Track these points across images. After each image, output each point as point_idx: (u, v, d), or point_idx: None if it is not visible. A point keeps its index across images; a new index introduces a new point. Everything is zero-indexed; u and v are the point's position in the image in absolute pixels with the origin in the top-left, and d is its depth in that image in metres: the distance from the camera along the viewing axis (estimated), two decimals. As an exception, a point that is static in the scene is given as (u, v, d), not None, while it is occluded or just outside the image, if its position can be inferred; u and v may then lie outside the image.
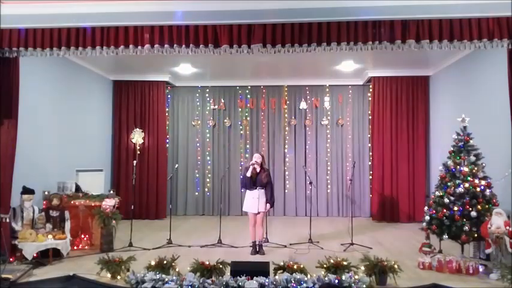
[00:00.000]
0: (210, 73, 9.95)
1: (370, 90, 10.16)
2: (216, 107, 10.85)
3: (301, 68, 9.48)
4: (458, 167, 5.94)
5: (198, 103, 10.92)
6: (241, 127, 10.81)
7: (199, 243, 7.10)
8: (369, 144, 10.41)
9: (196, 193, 10.77)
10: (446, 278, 5.09)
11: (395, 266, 4.86)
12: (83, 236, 6.86)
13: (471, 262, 5.40)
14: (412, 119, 9.85)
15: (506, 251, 5.10)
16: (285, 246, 6.96)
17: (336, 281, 4.53)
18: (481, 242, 5.86)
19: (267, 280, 4.51)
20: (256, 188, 6.54)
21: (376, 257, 4.95)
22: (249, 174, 6.55)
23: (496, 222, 5.21)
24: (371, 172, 10.24)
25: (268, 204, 6.59)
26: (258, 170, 6.58)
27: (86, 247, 6.81)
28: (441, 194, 6.01)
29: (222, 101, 10.83)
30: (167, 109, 10.74)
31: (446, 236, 5.87)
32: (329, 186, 10.58)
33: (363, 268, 4.86)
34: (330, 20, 5.28)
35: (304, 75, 10.13)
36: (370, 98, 10.29)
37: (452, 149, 6.14)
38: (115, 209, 6.82)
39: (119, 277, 4.96)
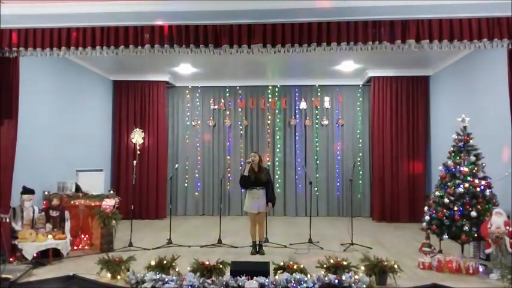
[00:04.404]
0: (210, 73, 9.94)
1: (370, 90, 10.16)
2: (216, 107, 10.85)
3: (301, 68, 9.47)
4: (458, 167, 5.93)
5: (198, 103, 10.92)
6: (241, 127, 10.81)
7: (199, 243, 7.09)
8: (369, 144, 10.40)
9: (197, 193, 10.78)
10: (446, 278, 5.09)
11: (395, 266, 4.85)
12: (83, 236, 6.86)
13: (471, 262, 5.40)
14: (412, 119, 9.86)
15: (506, 251, 5.11)
16: (285, 246, 6.96)
17: (336, 281, 4.53)
18: (481, 242, 5.86)
19: (267, 280, 4.51)
20: (255, 188, 6.53)
21: (376, 257, 4.95)
22: (246, 173, 6.53)
23: (496, 222, 5.21)
24: (371, 172, 10.24)
25: (269, 203, 6.58)
26: (256, 169, 6.57)
27: (86, 247, 6.81)
28: (441, 194, 6.01)
29: (222, 101, 10.83)
30: (167, 109, 10.74)
31: (446, 236, 5.87)
32: (329, 186, 10.57)
33: (363, 268, 4.85)
34: (330, 20, 5.29)
35: (304, 75, 10.13)
36: (370, 98, 10.28)
37: (452, 149, 6.14)
38: (115, 209, 6.82)
39: (119, 277, 4.95)
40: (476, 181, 5.76)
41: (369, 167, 10.40)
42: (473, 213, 5.60)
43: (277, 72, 9.94)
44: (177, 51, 5.50)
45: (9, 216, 5.76)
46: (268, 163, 10.51)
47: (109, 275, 4.99)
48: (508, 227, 5.13)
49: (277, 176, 10.57)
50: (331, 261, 4.85)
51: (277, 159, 10.70)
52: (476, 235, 5.60)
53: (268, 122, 10.76)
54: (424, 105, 9.87)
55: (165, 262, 4.92)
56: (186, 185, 10.81)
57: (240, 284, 4.49)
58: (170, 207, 8.49)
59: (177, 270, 4.90)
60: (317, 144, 10.66)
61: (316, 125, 10.68)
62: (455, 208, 5.74)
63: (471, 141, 6.03)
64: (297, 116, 10.71)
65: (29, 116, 6.64)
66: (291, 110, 10.75)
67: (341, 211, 10.50)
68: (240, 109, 10.81)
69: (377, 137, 9.88)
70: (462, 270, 5.31)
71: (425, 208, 6.29)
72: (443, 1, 5.17)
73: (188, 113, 10.93)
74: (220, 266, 4.83)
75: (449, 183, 5.95)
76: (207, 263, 4.82)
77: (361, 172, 10.42)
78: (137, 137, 10.18)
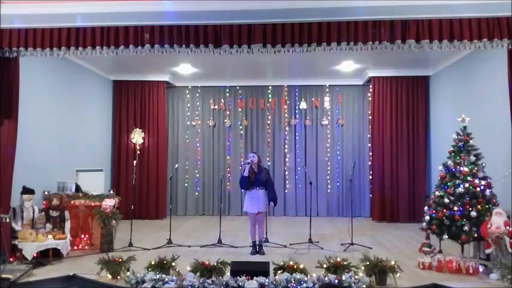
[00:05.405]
0: (210, 73, 9.94)
1: (370, 90, 10.16)
2: (216, 107, 10.85)
3: (301, 68, 9.47)
4: (458, 167, 5.94)
5: (198, 103, 10.92)
6: (241, 127, 10.81)
7: (199, 243, 7.10)
8: (369, 144, 10.41)
9: (197, 193, 10.78)
10: (446, 278, 5.09)
11: (395, 266, 4.85)
12: (83, 236, 6.86)
13: (471, 262, 5.40)
14: (412, 118, 9.86)
15: (506, 251, 5.11)
16: (285, 246, 6.95)
17: (336, 281, 4.52)
18: (481, 242, 5.86)
19: (267, 280, 4.51)
20: (255, 188, 6.53)
21: (376, 257, 4.95)
22: (246, 174, 6.53)
23: (496, 222, 5.21)
24: (371, 172, 10.24)
25: (271, 203, 6.57)
26: (255, 169, 6.56)
27: (86, 247, 6.81)
28: (441, 194, 6.01)
29: (222, 101, 10.84)
30: (167, 109, 10.74)
31: (446, 236, 5.88)
32: (329, 186, 10.58)
33: (363, 268, 4.85)
34: (330, 20, 5.29)
35: (304, 75, 10.13)
36: (370, 98, 10.29)
37: (452, 149, 6.14)
38: (115, 209, 6.82)
39: (118, 277, 4.96)
40: (476, 181, 5.76)
41: (369, 167, 10.39)
42: (473, 213, 5.60)
43: (278, 72, 9.94)
44: (177, 51, 5.51)
45: (9, 216, 5.76)
46: (268, 163, 10.51)
47: (109, 275, 4.99)
48: (508, 227, 5.13)
49: (277, 176, 10.56)
50: (331, 261, 4.85)
51: (277, 159, 10.70)
52: (476, 235, 5.60)
53: (268, 122, 10.77)
54: (424, 105, 9.87)
55: (165, 262, 4.93)
56: (186, 185, 10.81)
57: (240, 284, 4.49)
58: (170, 207, 8.48)
59: (177, 270, 4.90)
60: (317, 144, 10.65)
61: (316, 125, 10.68)
62: (455, 208, 5.74)
63: (471, 141, 6.03)
64: (297, 116, 10.72)
65: (29, 116, 6.64)
66: (291, 110, 10.76)
67: (341, 211, 10.50)
68: (240, 109, 10.81)
69: (377, 137, 9.88)
70: (462, 270, 5.31)
71: (425, 208, 6.29)
72: (443, 1, 5.17)
73: (188, 113, 10.93)
74: (220, 266, 4.83)
75: (449, 183, 5.95)
76: (207, 263, 4.83)
77: (361, 172, 10.41)
78: (137, 137, 10.18)
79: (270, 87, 10.75)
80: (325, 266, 4.84)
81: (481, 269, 5.35)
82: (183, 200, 10.80)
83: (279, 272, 4.83)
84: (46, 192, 6.77)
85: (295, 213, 10.56)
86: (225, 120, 10.82)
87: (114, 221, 6.72)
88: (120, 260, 5.04)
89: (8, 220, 5.68)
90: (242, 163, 10.28)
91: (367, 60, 8.85)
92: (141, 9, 5.39)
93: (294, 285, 4.47)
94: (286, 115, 10.76)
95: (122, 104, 10.39)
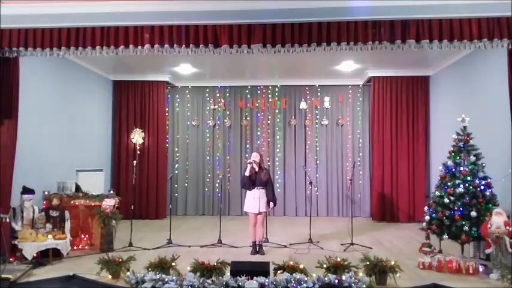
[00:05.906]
0: (210, 73, 9.94)
1: (370, 90, 10.16)
2: (216, 107, 10.85)
3: (301, 68, 9.47)
4: (458, 167, 5.94)
5: (198, 103, 10.92)
6: (241, 127, 10.81)
7: (199, 243, 7.10)
8: (369, 144, 10.41)
9: (196, 193, 10.78)
10: (446, 278, 5.09)
11: (396, 266, 4.85)
12: (83, 236, 6.86)
13: (471, 262, 5.40)
14: (412, 119, 9.86)
15: (506, 251, 5.10)
16: (285, 246, 6.96)
17: (336, 281, 4.52)
18: (481, 242, 5.86)
19: (267, 280, 4.51)
20: (256, 188, 6.53)
21: (376, 257, 4.95)
22: (247, 173, 6.54)
23: (496, 222, 5.21)
24: (371, 172, 10.24)
25: (271, 203, 6.58)
26: (256, 169, 6.57)
27: (86, 247, 6.81)
28: (441, 194, 6.01)
29: (222, 101, 10.84)
30: (167, 109, 10.75)
31: (446, 236, 5.88)
32: (329, 186, 10.58)
33: (363, 268, 4.86)
34: (330, 20, 5.29)
35: (304, 75, 10.13)
36: (370, 98, 10.28)
37: (452, 149, 6.14)
38: (115, 209, 6.82)
39: (119, 277, 4.96)
40: (476, 181, 5.76)
41: (369, 167, 10.40)
42: (473, 213, 5.61)
43: (278, 72, 9.94)
44: (177, 51, 5.51)
45: (9, 216, 5.76)
46: (268, 163, 10.51)
47: (109, 275, 4.99)
48: (508, 227, 5.13)
49: (277, 176, 10.57)
50: (331, 261, 4.85)
51: (277, 159, 10.70)
52: (476, 235, 5.60)
53: (268, 122, 10.77)
54: (424, 105, 9.87)
55: (165, 262, 4.93)
56: (186, 185, 10.81)
57: (240, 284, 4.49)
58: (170, 207, 8.48)
59: (177, 270, 4.90)
60: (317, 144, 10.66)
61: (316, 125, 10.69)
62: (455, 208, 5.74)
63: (471, 141, 6.03)
64: (297, 116, 10.72)
65: (29, 116, 6.64)
66: (291, 110, 10.75)
67: (341, 211, 10.51)
68: (240, 109, 10.81)
69: (377, 137, 9.88)
70: (462, 270, 5.32)
71: (425, 208, 6.29)
72: (443, 1, 5.17)
73: (188, 113, 10.93)
74: (220, 266, 4.83)
75: (449, 183, 5.95)
76: (207, 263, 4.83)
77: (361, 172, 10.42)
78: (137, 137, 10.18)
79: (270, 87, 10.75)
80: (325, 266, 4.84)
81: (481, 269, 5.36)
82: (183, 200, 10.79)
83: (279, 272, 4.83)
84: (46, 192, 6.78)
85: (295, 213, 10.55)
86: (225, 120, 10.82)
87: (114, 221, 6.73)
88: (120, 260, 5.04)
89: (8, 220, 5.69)
90: (242, 163, 10.34)
91: (367, 60, 8.85)
92: (141, 9, 5.39)
93: (294, 285, 4.47)
94: (286, 115, 10.75)
95: (122, 104, 10.39)
